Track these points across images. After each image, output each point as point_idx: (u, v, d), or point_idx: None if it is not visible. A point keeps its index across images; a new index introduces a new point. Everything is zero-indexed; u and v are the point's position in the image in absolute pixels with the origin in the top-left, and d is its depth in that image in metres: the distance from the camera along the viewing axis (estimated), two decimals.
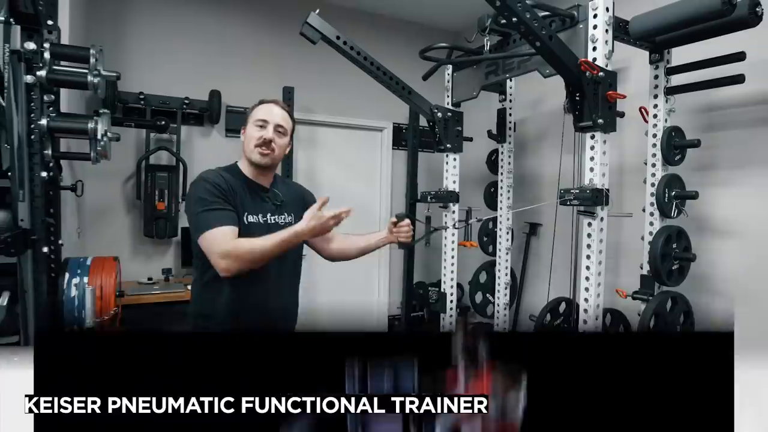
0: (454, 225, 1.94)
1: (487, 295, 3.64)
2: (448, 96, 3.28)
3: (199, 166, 3.70)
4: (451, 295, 3.25)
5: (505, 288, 3.51)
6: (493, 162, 3.68)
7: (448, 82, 3.27)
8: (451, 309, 3.26)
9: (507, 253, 3.49)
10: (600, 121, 2.18)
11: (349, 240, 1.95)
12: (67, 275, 2.65)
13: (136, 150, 3.62)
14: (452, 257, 3.21)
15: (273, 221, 1.67)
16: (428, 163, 4.69)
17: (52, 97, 2.41)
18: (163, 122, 3.42)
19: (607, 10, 2.20)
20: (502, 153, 3.48)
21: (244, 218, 1.59)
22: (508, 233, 3.48)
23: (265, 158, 1.65)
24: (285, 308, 1.77)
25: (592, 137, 2.23)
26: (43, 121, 2.25)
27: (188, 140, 3.78)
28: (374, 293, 4.71)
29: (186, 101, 3.62)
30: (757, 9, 2.07)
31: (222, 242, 1.45)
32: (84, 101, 3.42)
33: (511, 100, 3.45)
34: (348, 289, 4.53)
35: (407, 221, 1.90)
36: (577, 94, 2.24)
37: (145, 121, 3.49)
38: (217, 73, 3.85)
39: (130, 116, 3.52)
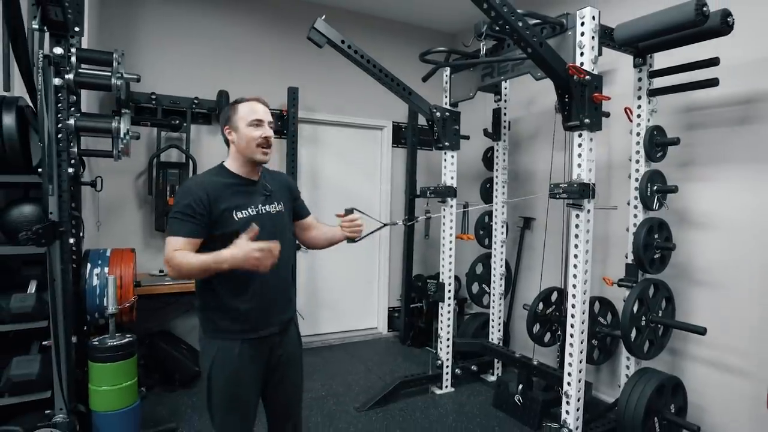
0: (404, 221, 2.02)
1: (483, 285, 3.83)
2: (446, 96, 3.46)
3: (207, 162, 3.85)
4: (449, 285, 3.43)
5: (501, 279, 3.70)
6: (488, 159, 3.87)
7: (446, 83, 3.45)
8: (449, 299, 3.44)
9: (502, 246, 3.68)
10: (587, 120, 2.36)
11: (321, 230, 2.01)
12: (89, 265, 2.82)
13: (147, 148, 3.78)
14: (450, 249, 3.40)
15: (264, 211, 1.73)
16: (427, 161, 4.87)
17: (74, 98, 2.58)
18: (177, 121, 3.58)
19: (594, 18, 2.38)
20: (497, 150, 3.67)
21: (234, 216, 1.65)
22: (503, 227, 3.66)
23: (267, 156, 1.74)
24: (283, 299, 1.80)
25: (580, 135, 2.42)
26: (71, 121, 2.43)
27: (197, 138, 3.94)
28: (374, 286, 4.89)
29: (195, 101, 3.78)
30: (728, 19, 2.26)
31: (169, 250, 1.56)
32: (98, 101, 3.58)
33: (505, 100, 3.64)
34: (349, 282, 4.71)
35: (355, 215, 1.91)
36: (566, 96, 2.43)
37: (161, 120, 3.65)
38: (225, 73, 4.01)
39: (141, 115, 3.68)
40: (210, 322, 1.70)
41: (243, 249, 1.50)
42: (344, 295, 4.71)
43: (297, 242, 2.08)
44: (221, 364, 1.68)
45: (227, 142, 1.77)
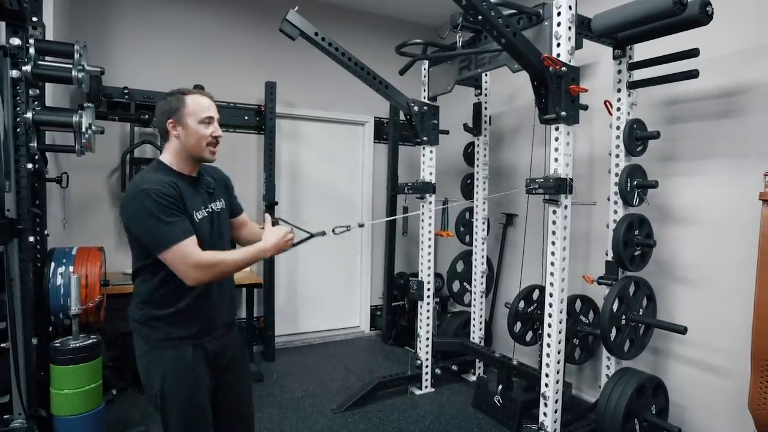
0: (333, 230, 1.83)
1: (465, 283, 3.76)
2: (424, 90, 3.38)
3: None
4: (428, 283, 3.36)
5: (482, 277, 3.63)
6: (469, 154, 3.79)
7: (425, 77, 3.37)
8: (428, 297, 3.37)
9: (483, 243, 3.60)
10: (563, 113, 2.29)
11: (253, 230, 1.92)
12: (52, 264, 2.72)
13: (120, 144, 3.68)
14: (429, 246, 3.33)
15: (211, 209, 1.65)
16: (409, 157, 4.80)
17: (37, 91, 2.47)
18: (147, 116, 3.48)
19: (570, 8, 2.30)
20: (478, 146, 3.59)
21: (195, 217, 1.56)
22: (484, 223, 3.59)
23: (215, 155, 1.64)
24: (228, 300, 1.74)
25: (556, 129, 2.35)
26: (29, 115, 2.32)
27: None
28: (356, 284, 4.81)
29: None
30: (708, 8, 2.19)
31: (194, 254, 1.45)
32: (68, 96, 3.48)
33: (486, 95, 3.56)
34: (330, 280, 4.63)
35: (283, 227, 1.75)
36: (542, 89, 2.36)
37: (130, 114, 3.56)
38: (200, 68, 3.91)
39: (114, 110, 3.58)
40: (157, 331, 1.56)
41: (278, 235, 1.63)
42: (326, 294, 4.63)
43: None
44: (176, 375, 1.55)
45: (165, 136, 1.61)
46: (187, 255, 1.44)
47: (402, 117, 4.43)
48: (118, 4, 3.67)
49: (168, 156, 1.61)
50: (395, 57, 3.28)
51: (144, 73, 3.70)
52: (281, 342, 4.21)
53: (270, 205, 3.89)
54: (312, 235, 1.83)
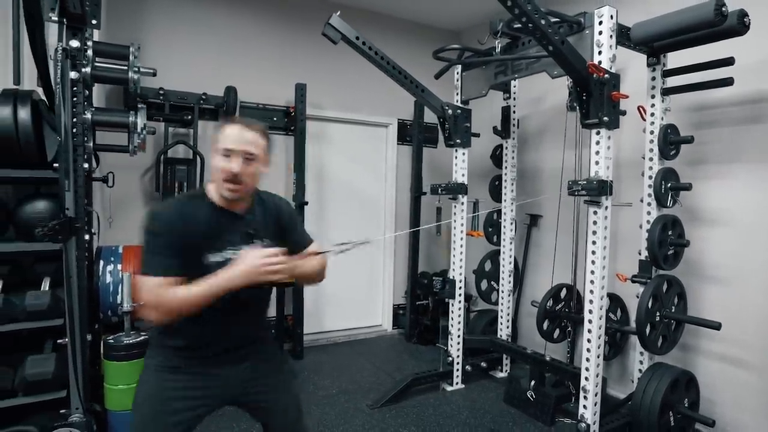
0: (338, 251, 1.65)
1: (492, 282, 3.85)
2: (457, 94, 3.46)
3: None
4: (460, 282, 3.44)
5: (509, 276, 3.72)
6: (497, 157, 3.88)
7: (458, 81, 3.46)
8: (459, 296, 3.45)
9: (511, 243, 3.70)
10: (605, 118, 2.39)
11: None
12: (101, 262, 2.79)
13: (154, 144, 3.73)
14: (461, 246, 3.41)
15: (238, 256, 1.43)
16: (430, 158, 4.88)
17: (86, 92, 2.54)
18: (189, 117, 3.54)
19: (612, 17, 2.41)
20: (506, 148, 3.69)
21: (204, 260, 1.42)
22: (512, 224, 3.69)
23: (234, 194, 1.44)
24: (244, 330, 1.59)
25: (598, 133, 2.45)
26: (88, 115, 2.39)
27: (204, 134, 3.88)
28: (379, 283, 4.89)
29: (203, 97, 3.74)
30: (745, 19, 2.30)
31: (153, 293, 1.34)
32: (104, 96, 3.53)
33: (514, 98, 3.66)
34: (354, 280, 4.70)
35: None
36: (584, 94, 2.45)
37: (165, 114, 3.61)
38: (233, 69, 3.97)
39: (149, 111, 3.62)
40: (153, 350, 1.57)
41: (250, 259, 1.36)
42: (349, 293, 4.70)
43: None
44: (143, 393, 1.55)
45: None
46: (144, 289, 1.35)
47: (426, 119, 4.57)
48: (152, 6, 3.73)
49: (212, 184, 1.50)
50: (421, 60, 3.36)
51: (178, 74, 3.75)
52: (308, 340, 4.28)
53: (300, 205, 3.95)
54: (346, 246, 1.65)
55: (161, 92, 3.59)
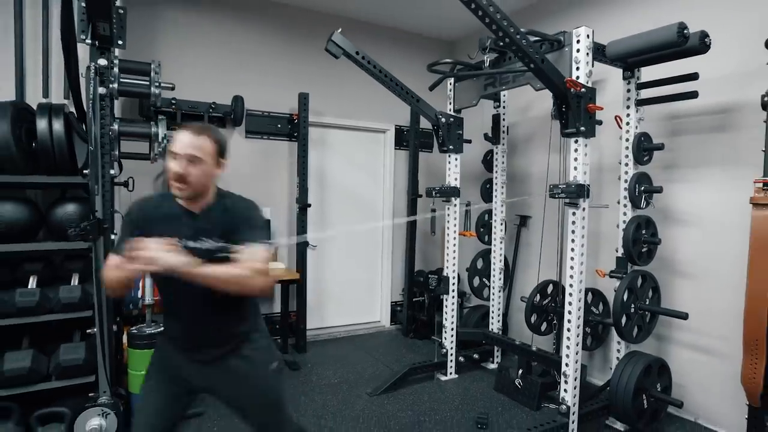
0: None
1: (484, 279, 4.10)
2: (450, 103, 3.72)
3: None
4: (454, 278, 3.69)
5: (500, 273, 3.98)
6: (488, 161, 4.14)
7: (451, 91, 3.72)
8: (453, 291, 3.71)
9: (501, 242, 3.96)
10: (582, 128, 2.65)
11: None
12: None
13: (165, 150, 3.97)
14: (454, 245, 3.66)
15: (187, 246, 1.56)
16: (426, 163, 5.14)
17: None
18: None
19: (588, 36, 2.66)
20: (496, 153, 3.95)
21: None
22: (502, 224, 3.95)
23: (183, 191, 1.56)
24: (215, 336, 1.70)
25: (576, 141, 2.70)
26: (115, 126, 2.64)
27: None
28: (377, 281, 5.14)
29: (212, 105, 4.00)
30: (706, 40, 2.57)
31: (106, 266, 1.55)
32: (119, 107, 3.77)
33: (504, 107, 3.92)
34: (353, 278, 4.96)
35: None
36: (563, 106, 2.70)
37: (176, 123, 3.84)
38: (239, 80, 4.22)
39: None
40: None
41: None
42: (349, 291, 4.95)
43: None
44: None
45: None
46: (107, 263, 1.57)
47: (422, 125, 4.82)
48: (165, 22, 3.97)
49: None
50: (416, 69, 3.59)
51: (189, 85, 3.99)
52: (310, 335, 4.52)
53: (303, 207, 4.21)
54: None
55: (173, 102, 3.84)
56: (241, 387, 1.73)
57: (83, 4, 2.50)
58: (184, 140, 1.56)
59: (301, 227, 4.29)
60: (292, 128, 4.42)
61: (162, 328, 1.85)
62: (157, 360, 1.78)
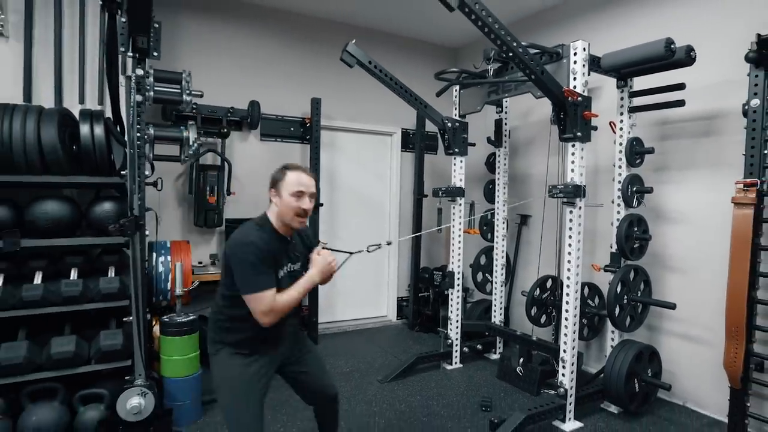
0: (367, 249, 2.30)
1: (486, 274, 4.34)
2: (455, 109, 3.96)
3: (238, 166, 4.34)
4: (458, 273, 3.93)
5: (502, 269, 4.22)
6: (491, 163, 4.39)
7: (456, 97, 3.96)
8: (458, 286, 3.94)
9: (503, 240, 4.20)
10: (579, 134, 2.89)
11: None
12: (154, 254, 3.26)
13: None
14: (459, 242, 3.90)
15: (291, 269, 1.96)
16: (431, 164, 5.38)
17: None
18: (225, 130, 4.01)
19: (584, 49, 2.90)
20: (498, 156, 4.19)
21: (279, 274, 1.88)
22: (504, 223, 4.19)
23: (302, 225, 1.92)
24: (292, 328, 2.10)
25: (573, 146, 2.94)
26: (151, 131, 2.87)
27: (230, 143, 4.39)
28: (384, 278, 5.39)
29: (230, 110, 4.23)
30: (692, 53, 2.81)
31: (267, 303, 1.76)
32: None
33: (506, 112, 4.16)
34: (362, 274, 5.19)
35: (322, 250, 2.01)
36: (562, 113, 2.95)
37: (203, 127, 4.06)
38: (256, 85, 4.46)
39: (183, 123, 4.11)
40: (221, 343, 1.98)
41: (321, 263, 1.93)
42: (358, 287, 5.19)
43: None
44: (223, 375, 1.98)
45: (269, 200, 1.95)
46: (262, 302, 1.77)
47: (427, 129, 5.06)
48: (185, 31, 4.21)
49: (271, 215, 1.93)
50: (420, 74, 3.82)
51: (208, 90, 4.20)
52: (322, 328, 4.76)
53: (315, 206, 4.43)
54: (351, 254, 2.21)
55: (194, 106, 4.07)
56: (305, 344, 2.21)
57: (123, 20, 2.73)
58: (308, 182, 1.90)
59: (313, 226, 4.53)
60: (305, 131, 4.65)
61: (240, 336, 1.92)
62: (250, 370, 1.91)
